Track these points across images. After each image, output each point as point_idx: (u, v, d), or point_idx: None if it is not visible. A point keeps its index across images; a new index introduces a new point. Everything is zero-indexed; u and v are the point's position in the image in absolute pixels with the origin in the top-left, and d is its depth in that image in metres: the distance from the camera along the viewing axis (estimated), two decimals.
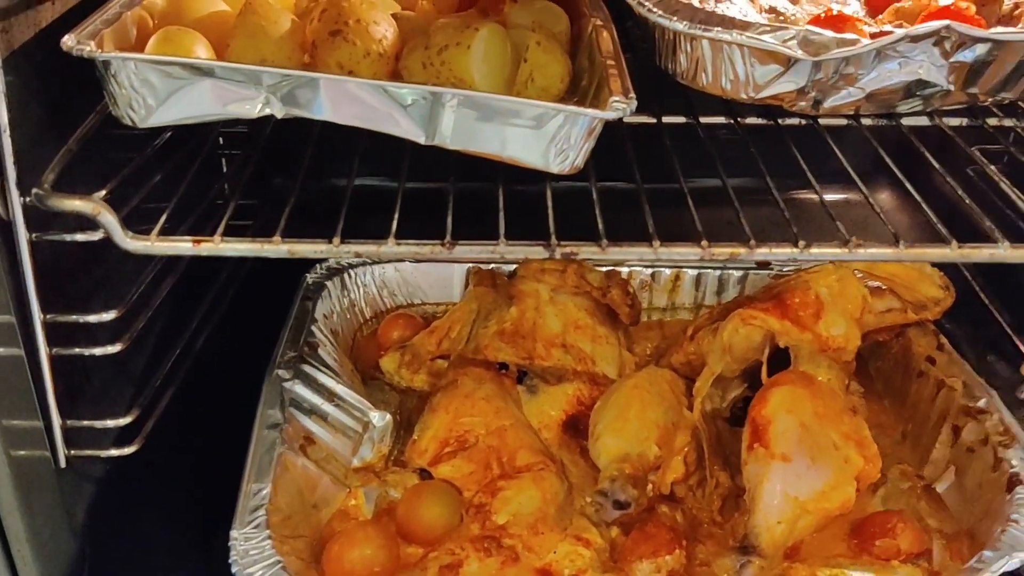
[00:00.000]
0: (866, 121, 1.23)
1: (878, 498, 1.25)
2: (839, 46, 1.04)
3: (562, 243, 0.99)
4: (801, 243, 0.99)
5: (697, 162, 1.19)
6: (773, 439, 1.14)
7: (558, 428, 1.32)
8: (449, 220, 1.03)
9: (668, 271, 1.59)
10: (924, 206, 1.06)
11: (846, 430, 1.19)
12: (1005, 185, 1.12)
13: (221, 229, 0.98)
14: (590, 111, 0.98)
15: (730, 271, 1.59)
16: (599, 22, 1.16)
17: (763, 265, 1.60)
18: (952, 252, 0.99)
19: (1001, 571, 1.05)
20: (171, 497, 1.22)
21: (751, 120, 1.23)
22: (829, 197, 1.14)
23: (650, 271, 1.58)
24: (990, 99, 1.16)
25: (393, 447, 1.29)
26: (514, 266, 1.50)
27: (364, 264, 1.52)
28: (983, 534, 1.14)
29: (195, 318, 1.32)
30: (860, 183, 1.14)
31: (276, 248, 0.97)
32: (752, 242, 0.99)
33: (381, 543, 1.09)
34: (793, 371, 1.25)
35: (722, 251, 0.98)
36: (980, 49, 1.08)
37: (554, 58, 1.12)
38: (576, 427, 1.31)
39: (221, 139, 1.55)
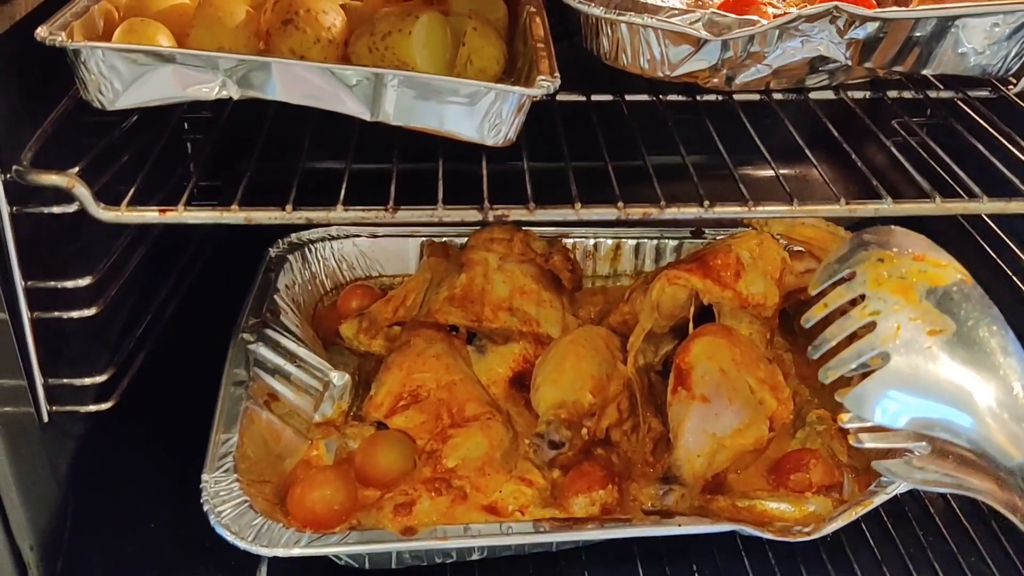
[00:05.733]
0: (777, 96, 1.34)
1: (797, 439, 1.37)
2: (741, 26, 1.15)
3: (494, 206, 1.10)
4: (706, 203, 1.11)
5: (625, 141, 1.30)
6: (695, 382, 1.26)
7: (505, 384, 1.43)
8: (392, 189, 1.13)
9: (609, 241, 1.70)
10: (818, 169, 1.18)
11: (762, 376, 1.32)
12: (895, 150, 1.24)
13: (184, 199, 1.08)
14: (518, 88, 1.09)
15: (667, 240, 1.71)
16: (533, 9, 1.26)
17: (697, 234, 1.73)
18: (841, 208, 1.12)
19: (895, 492, 1.19)
20: (146, 450, 1.32)
21: (672, 97, 1.34)
22: (755, 172, 1.24)
23: (592, 241, 1.69)
24: (884, 72, 1.28)
25: (352, 405, 1.39)
26: (465, 239, 1.61)
27: (324, 239, 1.63)
28: None
29: (164, 288, 1.43)
30: (770, 160, 1.25)
31: (234, 215, 1.07)
32: (662, 202, 1.10)
33: (340, 485, 1.20)
34: (715, 324, 1.37)
35: (636, 211, 1.09)
36: (870, 27, 1.20)
37: (489, 42, 1.22)
38: (522, 383, 1.42)
39: (186, 124, 1.65)
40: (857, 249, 1.09)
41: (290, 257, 1.57)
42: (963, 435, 0.98)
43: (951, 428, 0.99)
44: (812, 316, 1.10)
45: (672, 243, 1.70)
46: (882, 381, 1.01)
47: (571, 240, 1.67)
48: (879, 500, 1.18)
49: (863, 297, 1.05)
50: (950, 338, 1.01)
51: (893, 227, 1.11)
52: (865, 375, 1.03)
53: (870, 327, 1.03)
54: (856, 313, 1.05)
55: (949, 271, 1.06)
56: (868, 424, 1.06)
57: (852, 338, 1.05)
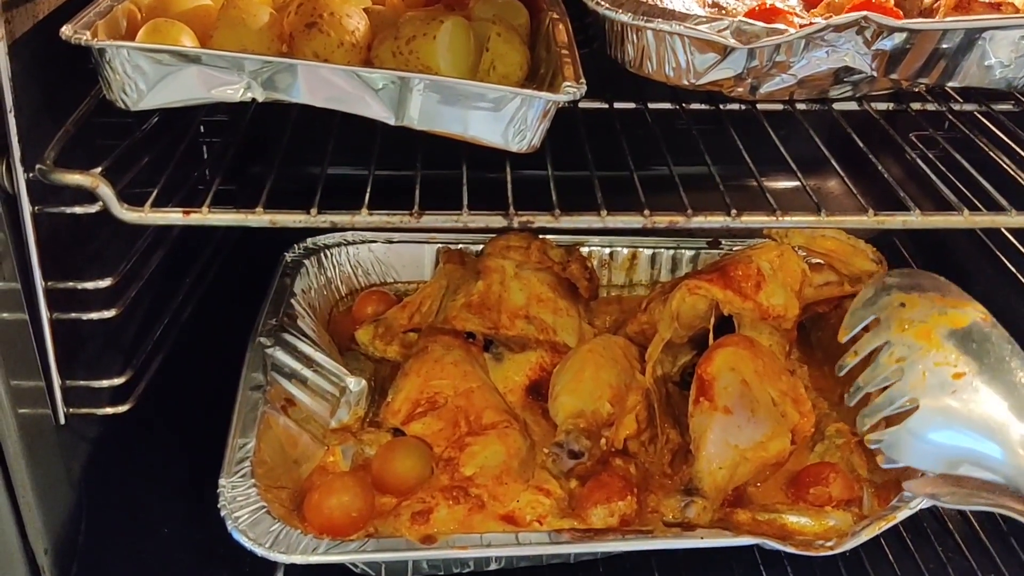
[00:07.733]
0: (800, 106, 1.34)
1: (816, 453, 1.36)
2: (769, 35, 1.14)
3: (519, 212, 1.10)
4: (733, 212, 1.10)
5: (648, 148, 1.29)
6: (717, 394, 1.25)
7: (522, 392, 1.42)
8: (417, 194, 1.13)
9: (625, 250, 1.69)
10: (846, 181, 1.17)
11: (784, 388, 1.30)
12: (921, 162, 1.24)
13: (208, 201, 1.07)
14: (544, 94, 1.08)
15: (683, 250, 1.70)
16: (555, 16, 1.26)
17: (713, 245, 1.72)
18: (868, 219, 1.11)
19: (918, 508, 1.17)
20: (162, 454, 1.31)
21: (695, 106, 1.33)
22: (772, 184, 1.24)
23: (608, 251, 1.69)
24: (909, 84, 1.27)
25: (368, 411, 1.38)
26: (481, 246, 1.60)
27: (339, 245, 1.62)
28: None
29: (181, 291, 1.42)
30: (797, 171, 1.24)
31: (259, 218, 1.06)
32: (689, 211, 1.09)
33: (358, 491, 1.19)
34: (737, 335, 1.36)
35: (662, 219, 1.08)
36: (898, 38, 1.19)
37: (513, 48, 1.21)
38: (538, 391, 1.41)
39: (202, 127, 1.64)
40: (880, 294, 1.17)
41: (306, 262, 1.56)
42: (998, 470, 1.01)
43: (984, 463, 1.04)
44: (845, 364, 1.20)
45: (688, 253, 1.70)
46: (913, 426, 1.08)
47: (587, 249, 1.67)
48: (903, 515, 1.17)
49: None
50: (975, 378, 1.08)
51: (915, 270, 1.16)
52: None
53: (899, 372, 1.11)
54: (885, 360, 1.13)
55: (968, 311, 1.13)
56: None
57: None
